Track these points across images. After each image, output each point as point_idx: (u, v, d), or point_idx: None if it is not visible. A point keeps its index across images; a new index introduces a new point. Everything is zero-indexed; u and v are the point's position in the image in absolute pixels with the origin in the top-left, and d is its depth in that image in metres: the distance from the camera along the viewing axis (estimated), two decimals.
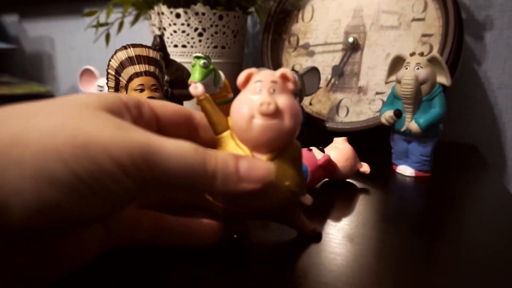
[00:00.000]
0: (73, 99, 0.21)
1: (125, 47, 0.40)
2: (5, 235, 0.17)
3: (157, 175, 0.19)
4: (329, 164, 0.41)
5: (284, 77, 0.27)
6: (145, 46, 0.41)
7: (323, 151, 0.43)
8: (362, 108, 0.60)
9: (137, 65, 0.40)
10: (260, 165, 0.24)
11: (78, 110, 0.19)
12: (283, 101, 0.26)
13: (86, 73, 0.59)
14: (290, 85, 0.27)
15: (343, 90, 0.62)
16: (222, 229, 0.29)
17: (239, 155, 0.25)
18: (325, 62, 0.63)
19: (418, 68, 0.45)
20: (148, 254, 0.28)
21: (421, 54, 0.45)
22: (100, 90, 0.57)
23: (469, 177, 0.50)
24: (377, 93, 0.59)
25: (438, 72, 0.45)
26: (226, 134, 0.27)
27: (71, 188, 0.17)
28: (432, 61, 0.45)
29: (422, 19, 0.56)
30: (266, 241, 0.31)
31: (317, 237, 0.31)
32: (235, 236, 0.31)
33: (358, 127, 0.58)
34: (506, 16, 0.65)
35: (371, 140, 0.58)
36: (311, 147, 0.42)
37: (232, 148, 0.27)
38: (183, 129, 0.29)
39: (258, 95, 0.26)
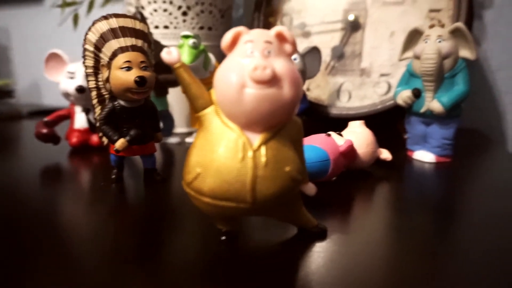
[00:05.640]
0: None
1: (105, 17, 0.33)
2: None
3: None
4: (351, 150, 0.36)
5: (280, 37, 0.22)
6: (130, 17, 0.34)
7: (342, 136, 0.37)
8: (366, 91, 0.56)
9: (122, 39, 0.33)
10: None
11: None
12: (281, 65, 0.21)
13: (53, 58, 0.51)
14: (288, 47, 0.22)
15: (344, 73, 0.57)
16: None
17: None
18: (323, 43, 0.58)
19: (440, 41, 0.40)
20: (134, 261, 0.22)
21: (442, 26, 0.41)
22: (71, 77, 0.49)
23: (485, 161, 0.46)
24: (382, 75, 0.55)
25: (461, 45, 0.41)
26: (209, 110, 0.23)
27: None
28: (454, 32, 0.40)
29: None
30: (262, 242, 0.26)
31: (322, 233, 0.26)
32: (222, 238, 0.25)
33: (363, 112, 0.53)
34: None
35: (378, 126, 0.54)
36: (329, 132, 0.37)
37: (218, 127, 0.22)
38: None
39: (249, 58, 0.21)
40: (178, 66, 0.23)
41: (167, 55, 0.22)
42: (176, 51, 0.22)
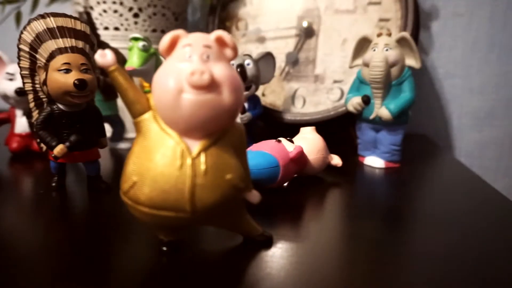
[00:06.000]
0: None
1: (42, 16, 0.31)
2: None
3: None
4: (302, 156, 0.36)
5: (220, 41, 0.22)
6: (70, 16, 0.32)
7: (293, 142, 0.37)
8: (319, 97, 0.56)
9: (60, 39, 0.31)
10: None
11: None
12: (220, 70, 0.20)
13: None
14: (229, 52, 0.22)
15: (299, 79, 0.58)
16: None
17: None
18: (278, 49, 0.58)
19: (387, 50, 0.41)
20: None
21: (389, 35, 0.42)
22: (11, 79, 0.45)
23: (432, 166, 0.48)
24: (335, 81, 0.55)
25: (407, 54, 0.42)
26: (147, 116, 0.22)
27: None
28: (401, 42, 0.42)
29: (378, 3, 0.54)
30: (206, 252, 0.25)
31: (267, 241, 0.26)
32: (164, 248, 0.24)
33: (317, 117, 0.54)
34: (450, 6, 0.66)
35: (331, 131, 0.54)
36: (279, 138, 0.37)
37: (156, 134, 0.21)
38: None
39: (187, 63, 0.20)
40: (113, 70, 0.21)
41: (100, 58, 0.21)
42: (111, 54, 0.21)
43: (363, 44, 0.44)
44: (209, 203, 0.21)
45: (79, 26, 0.32)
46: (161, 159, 0.20)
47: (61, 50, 0.31)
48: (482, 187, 0.39)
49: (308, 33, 0.57)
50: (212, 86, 0.20)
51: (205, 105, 0.20)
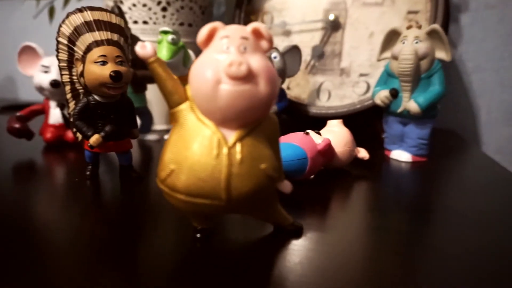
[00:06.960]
0: None
1: (80, 10, 0.32)
2: None
3: None
4: (329, 149, 0.36)
5: (257, 33, 0.22)
6: (106, 10, 0.33)
7: (320, 135, 0.37)
8: (345, 91, 0.56)
9: (97, 32, 0.32)
10: None
11: None
12: (257, 61, 0.21)
13: (26, 51, 0.49)
14: (265, 44, 0.22)
15: (324, 72, 0.58)
16: None
17: None
18: (304, 42, 0.58)
19: (416, 42, 0.41)
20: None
21: (419, 27, 0.41)
22: (46, 71, 0.47)
23: (460, 161, 0.47)
24: (361, 75, 0.55)
25: (437, 47, 0.41)
26: (184, 106, 0.22)
27: None
28: (431, 34, 0.41)
29: None
30: (237, 240, 0.26)
31: (298, 231, 0.26)
32: (198, 235, 0.25)
33: (343, 111, 0.54)
34: None
35: (357, 125, 0.54)
36: (307, 131, 0.37)
37: (193, 123, 0.22)
38: None
39: (225, 54, 0.21)
40: (152, 61, 0.22)
41: (141, 50, 0.22)
42: (151, 46, 0.22)
43: (392, 37, 0.44)
44: (244, 192, 0.21)
45: (114, 19, 0.33)
46: (198, 148, 0.21)
47: (97, 43, 0.32)
48: None
49: (334, 26, 0.57)
50: (249, 77, 0.20)
51: (242, 96, 0.20)
